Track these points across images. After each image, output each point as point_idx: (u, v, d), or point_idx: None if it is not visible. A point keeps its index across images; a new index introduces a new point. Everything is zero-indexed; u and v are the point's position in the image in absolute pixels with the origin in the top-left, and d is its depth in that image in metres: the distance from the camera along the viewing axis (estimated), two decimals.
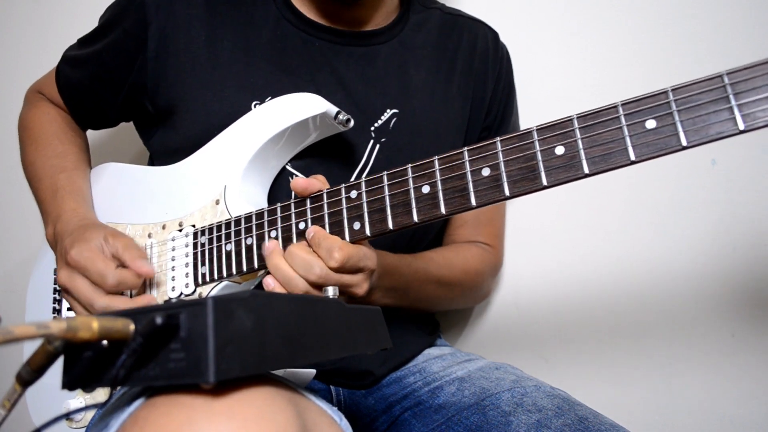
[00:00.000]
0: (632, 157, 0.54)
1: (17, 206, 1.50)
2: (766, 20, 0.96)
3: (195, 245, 0.80)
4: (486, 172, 0.60)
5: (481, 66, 0.99)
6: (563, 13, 1.11)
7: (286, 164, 0.84)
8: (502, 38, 1.05)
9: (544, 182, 0.57)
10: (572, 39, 1.10)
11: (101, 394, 0.85)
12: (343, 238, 0.67)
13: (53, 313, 0.96)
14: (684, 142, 0.52)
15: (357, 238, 0.67)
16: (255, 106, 0.84)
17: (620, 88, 1.05)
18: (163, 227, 0.85)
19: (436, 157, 0.64)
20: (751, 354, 0.94)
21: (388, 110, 0.90)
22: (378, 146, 0.88)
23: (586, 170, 0.56)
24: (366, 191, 0.67)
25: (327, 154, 0.85)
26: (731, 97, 0.50)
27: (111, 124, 1.03)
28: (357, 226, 0.67)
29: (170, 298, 0.81)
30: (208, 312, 0.38)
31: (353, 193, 0.68)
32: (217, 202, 0.81)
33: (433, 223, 0.68)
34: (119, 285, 0.76)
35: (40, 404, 0.96)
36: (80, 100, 0.99)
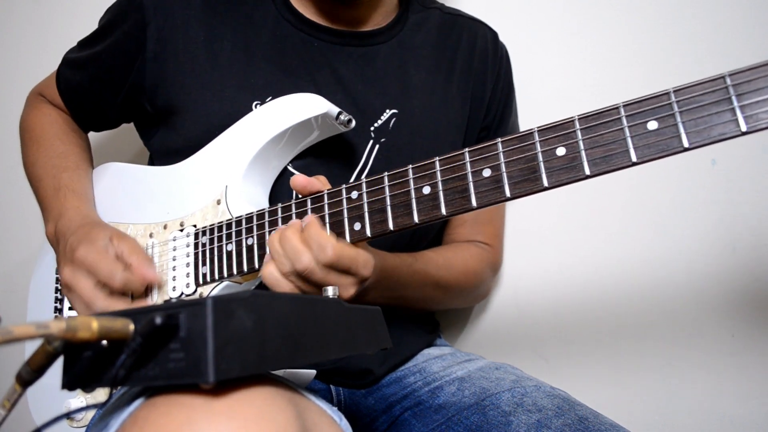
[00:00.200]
0: (634, 159, 0.54)
1: (17, 206, 1.51)
2: (766, 20, 0.96)
3: (196, 245, 0.80)
4: (487, 172, 0.60)
5: (480, 66, 0.99)
6: (563, 13, 1.11)
7: (288, 164, 0.84)
8: (502, 38, 1.05)
9: (545, 183, 0.57)
10: (572, 39, 1.10)
11: (101, 394, 0.85)
12: (343, 238, 0.67)
13: (55, 312, 0.96)
14: (686, 144, 0.52)
15: (357, 239, 0.67)
16: (256, 106, 0.84)
17: (620, 88, 1.05)
18: (165, 227, 0.85)
19: (437, 157, 0.63)
20: (751, 354, 0.94)
21: (387, 110, 0.90)
22: (377, 146, 0.88)
23: (588, 171, 0.56)
24: (367, 192, 0.67)
25: (326, 154, 0.85)
26: (733, 98, 0.50)
27: (112, 125, 1.04)
28: (357, 226, 0.67)
29: (171, 298, 0.81)
30: (208, 312, 0.38)
31: (354, 194, 0.68)
32: (219, 202, 0.81)
33: (433, 224, 0.68)
34: (125, 287, 0.76)
35: (40, 404, 0.96)
36: (80, 102, 1.00)
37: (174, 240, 0.83)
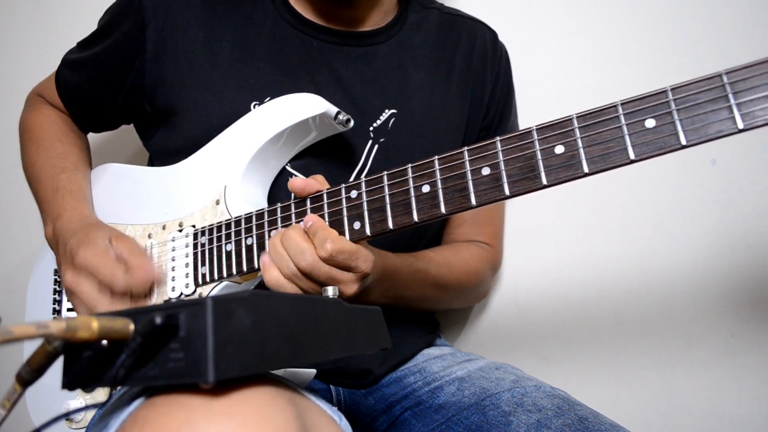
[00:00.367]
0: (632, 156, 0.54)
1: (17, 206, 1.51)
2: (766, 20, 0.96)
3: (195, 245, 0.80)
4: (486, 171, 0.60)
5: (479, 66, 0.99)
6: (563, 12, 1.11)
7: (286, 164, 0.84)
8: (501, 38, 1.05)
9: (544, 181, 0.57)
10: (572, 39, 1.10)
11: (101, 394, 0.85)
12: (344, 237, 0.67)
13: (53, 313, 0.96)
14: (683, 141, 0.52)
15: (357, 238, 0.67)
16: (254, 107, 0.84)
17: (620, 88, 1.05)
18: (163, 227, 0.85)
19: (436, 156, 0.64)
20: (751, 354, 0.94)
21: (386, 110, 0.90)
22: (377, 146, 0.88)
23: (586, 169, 0.56)
24: (366, 191, 0.67)
25: (326, 153, 0.85)
26: (730, 96, 0.50)
27: (111, 126, 1.03)
28: (357, 225, 0.67)
29: (170, 298, 0.81)
30: (208, 312, 0.38)
31: (353, 193, 0.68)
32: (218, 203, 0.81)
33: (432, 223, 0.68)
34: (127, 288, 0.76)
35: (40, 404, 0.96)
36: (80, 103, 1.00)
37: (173, 240, 0.83)
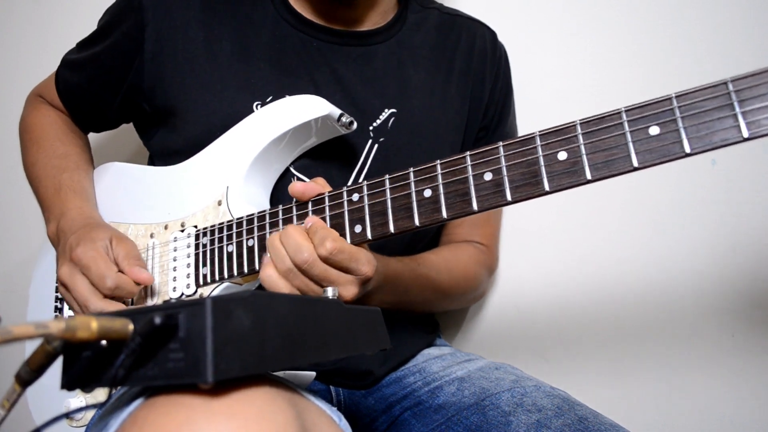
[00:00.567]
0: (635, 164, 0.54)
1: (17, 206, 1.51)
2: (766, 20, 0.96)
3: (197, 246, 0.80)
4: (488, 176, 0.60)
5: (479, 66, 0.99)
6: (562, 13, 1.11)
7: (289, 166, 0.84)
8: (501, 38, 1.05)
9: (546, 188, 0.57)
10: (571, 39, 1.10)
11: (101, 394, 0.85)
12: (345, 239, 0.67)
13: (55, 312, 0.96)
14: (687, 149, 0.52)
15: (358, 241, 0.67)
16: (257, 107, 0.84)
17: (620, 89, 1.05)
18: (165, 228, 0.85)
19: (438, 161, 0.63)
20: (751, 354, 0.94)
21: (386, 110, 0.90)
22: (376, 146, 0.88)
23: (589, 176, 0.55)
24: (368, 194, 0.67)
25: (325, 153, 0.85)
26: (735, 104, 0.50)
27: (111, 126, 1.04)
28: (358, 228, 0.67)
29: (171, 299, 0.81)
30: (207, 312, 0.38)
31: (355, 196, 0.68)
32: (220, 203, 0.81)
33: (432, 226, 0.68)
34: (117, 289, 0.76)
35: (40, 404, 0.96)
36: (79, 103, 1.00)
37: (175, 240, 0.83)
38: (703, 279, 0.98)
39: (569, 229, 1.08)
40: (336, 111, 0.77)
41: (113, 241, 0.80)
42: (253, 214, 0.75)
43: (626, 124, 0.54)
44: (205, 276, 0.79)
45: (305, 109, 0.78)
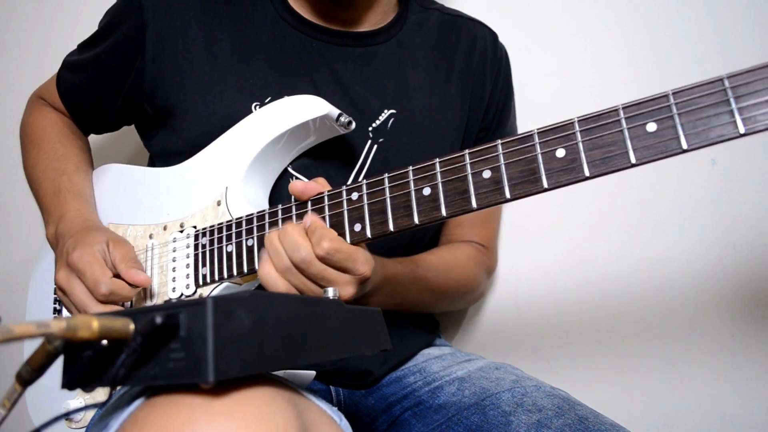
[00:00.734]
0: (633, 160, 0.54)
1: (17, 206, 1.51)
2: (766, 20, 0.96)
3: (196, 246, 0.80)
4: (487, 174, 0.61)
5: (479, 66, 0.99)
6: (562, 13, 1.11)
7: (288, 166, 0.84)
8: (501, 39, 1.05)
9: (545, 185, 0.57)
10: (571, 40, 1.10)
11: (101, 394, 0.85)
12: (344, 239, 0.67)
13: (54, 312, 0.96)
14: (684, 145, 0.52)
15: (358, 240, 0.67)
16: (255, 108, 0.84)
17: (620, 88, 1.05)
18: (165, 228, 0.85)
19: (437, 159, 0.64)
20: (751, 354, 0.94)
21: (386, 110, 0.90)
22: (376, 146, 0.88)
23: (587, 173, 0.56)
24: (367, 193, 0.67)
25: (325, 154, 0.85)
26: (732, 100, 0.50)
27: (112, 127, 1.04)
28: (358, 227, 0.67)
29: (171, 299, 0.81)
30: (208, 312, 0.38)
31: (354, 195, 0.68)
32: (219, 204, 0.81)
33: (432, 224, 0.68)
34: (111, 294, 0.76)
35: (40, 404, 0.96)
36: (80, 104, 1.00)
37: (174, 241, 0.83)
38: (702, 279, 0.98)
39: (569, 229, 1.08)
40: (334, 111, 0.77)
41: (110, 244, 0.80)
42: (252, 214, 0.75)
43: (624, 121, 0.55)
44: (204, 276, 0.79)
45: (304, 109, 0.78)
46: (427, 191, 0.63)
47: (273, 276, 0.67)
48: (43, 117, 1.02)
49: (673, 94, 0.53)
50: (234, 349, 0.39)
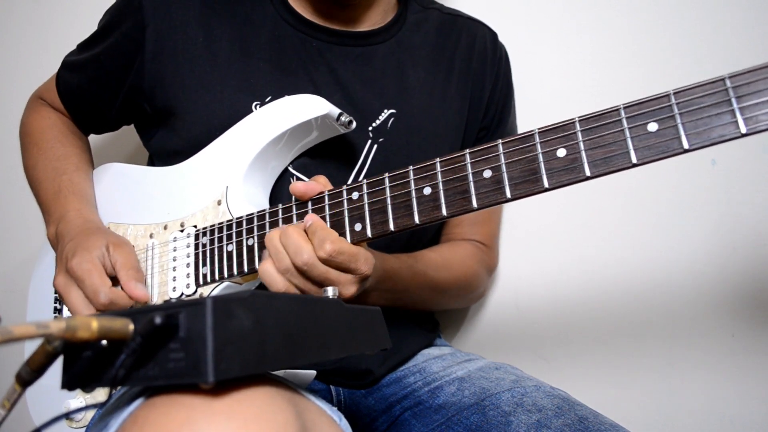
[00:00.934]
0: (634, 160, 0.54)
1: (17, 206, 1.51)
2: (766, 20, 0.96)
3: (196, 246, 0.80)
4: (487, 173, 0.60)
5: (479, 66, 0.99)
6: (563, 13, 1.11)
7: (288, 165, 0.84)
8: (501, 38, 1.05)
9: (546, 184, 0.57)
10: (572, 39, 1.10)
11: (101, 394, 0.85)
12: (344, 238, 0.67)
13: (54, 312, 0.96)
14: (686, 145, 0.52)
15: (358, 239, 0.67)
16: (256, 107, 0.84)
17: (620, 88, 1.05)
18: (165, 228, 0.85)
19: (438, 158, 0.64)
20: (751, 354, 0.94)
21: (385, 110, 0.90)
22: (376, 146, 0.88)
23: (588, 173, 0.56)
24: (367, 192, 0.67)
25: (325, 154, 0.85)
26: (733, 100, 0.50)
27: (112, 127, 1.03)
28: (358, 227, 0.67)
29: (171, 298, 0.81)
30: (207, 312, 0.38)
31: (355, 195, 0.68)
32: (219, 203, 0.81)
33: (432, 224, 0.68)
34: (110, 305, 0.76)
35: (40, 404, 0.96)
36: (80, 103, 1.00)
37: (174, 240, 0.83)
38: (702, 279, 0.98)
39: (569, 229, 1.08)
40: (335, 110, 0.77)
41: (110, 248, 0.80)
42: (252, 214, 0.75)
43: (625, 121, 0.55)
44: (204, 276, 0.78)
45: (304, 109, 0.78)
46: (427, 191, 0.63)
47: (273, 273, 0.67)
48: (43, 117, 1.02)
49: (675, 93, 0.53)
50: (234, 349, 0.39)
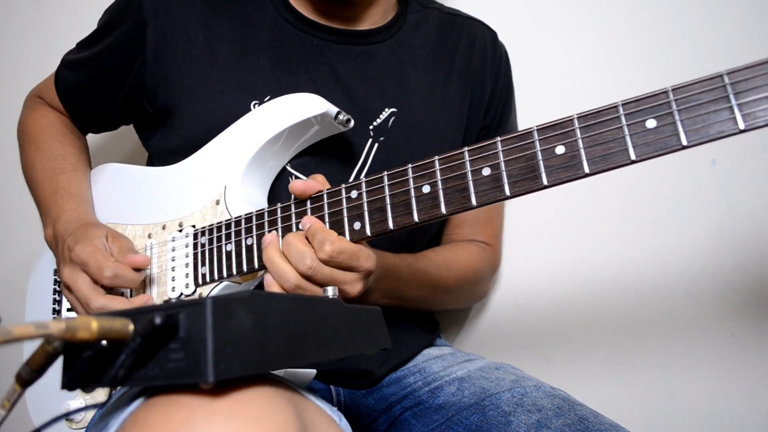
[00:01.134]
0: (633, 157, 0.54)
1: (17, 206, 1.51)
2: (766, 20, 0.96)
3: (195, 245, 0.80)
4: (486, 171, 0.60)
5: (479, 66, 0.99)
6: (563, 12, 1.11)
7: (286, 164, 0.84)
8: (501, 38, 1.05)
9: (545, 182, 0.57)
10: (572, 39, 1.10)
11: (101, 394, 0.85)
12: (344, 238, 0.67)
13: (53, 313, 0.96)
14: (684, 142, 0.52)
15: (358, 238, 0.67)
16: (254, 106, 0.84)
17: (620, 88, 1.05)
18: (163, 227, 0.85)
19: (437, 156, 0.64)
20: (751, 354, 0.94)
21: (386, 109, 0.90)
22: (376, 145, 0.88)
23: (587, 170, 0.56)
24: (366, 191, 0.67)
25: (325, 153, 0.85)
26: (731, 96, 0.50)
27: (111, 126, 1.03)
28: (357, 225, 0.67)
29: (170, 299, 0.81)
30: (207, 312, 0.38)
31: (354, 193, 0.68)
32: (218, 203, 0.80)
33: (431, 223, 0.68)
34: (116, 278, 0.76)
35: (40, 404, 0.96)
36: (79, 102, 0.99)
37: (173, 240, 0.83)
38: (703, 278, 0.98)
39: (569, 229, 1.08)
40: (333, 109, 0.77)
41: (109, 238, 0.81)
42: (251, 213, 0.75)
43: (623, 118, 0.55)
44: (204, 275, 0.78)
45: (302, 108, 0.78)
46: (426, 189, 0.63)
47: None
48: (41, 116, 1.02)
49: (673, 90, 0.53)
50: (234, 349, 0.39)
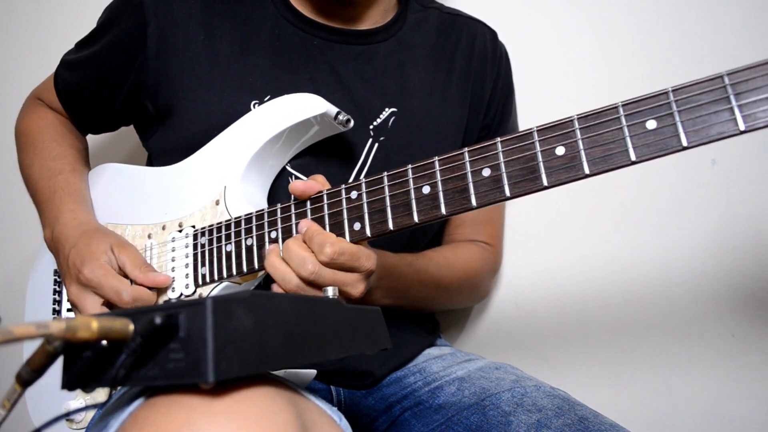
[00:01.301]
0: (633, 158, 0.54)
1: (17, 206, 1.51)
2: (766, 20, 0.96)
3: (195, 246, 0.80)
4: (486, 172, 0.60)
5: (479, 66, 0.99)
6: (563, 12, 1.11)
7: (286, 164, 0.84)
8: (501, 38, 1.05)
9: (545, 183, 0.57)
10: (572, 39, 1.10)
11: (101, 394, 0.85)
12: (343, 238, 0.67)
13: (53, 313, 0.96)
14: (684, 143, 0.52)
15: (358, 239, 0.67)
16: (254, 106, 0.84)
17: (620, 88, 1.05)
18: (163, 228, 0.85)
19: (437, 157, 0.63)
20: (751, 354, 0.94)
21: (386, 109, 0.90)
22: (377, 145, 0.88)
23: (587, 171, 0.56)
24: (366, 192, 0.67)
25: (325, 152, 0.85)
26: (732, 97, 0.50)
27: (111, 126, 1.03)
28: (357, 226, 0.67)
29: (170, 299, 0.81)
30: (207, 312, 0.38)
31: (353, 194, 0.68)
32: (217, 203, 0.80)
33: (432, 224, 0.68)
34: (135, 302, 0.76)
35: (40, 404, 0.96)
36: (79, 101, 0.99)
37: (173, 241, 0.83)
38: (702, 279, 0.98)
39: (570, 228, 1.08)
40: (333, 109, 0.77)
41: (114, 249, 0.80)
42: (251, 213, 0.75)
43: (623, 119, 0.55)
44: (203, 276, 0.78)
45: (302, 108, 0.78)
46: (426, 190, 0.63)
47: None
48: (40, 117, 1.02)
49: (673, 91, 0.53)
50: (234, 349, 0.39)
